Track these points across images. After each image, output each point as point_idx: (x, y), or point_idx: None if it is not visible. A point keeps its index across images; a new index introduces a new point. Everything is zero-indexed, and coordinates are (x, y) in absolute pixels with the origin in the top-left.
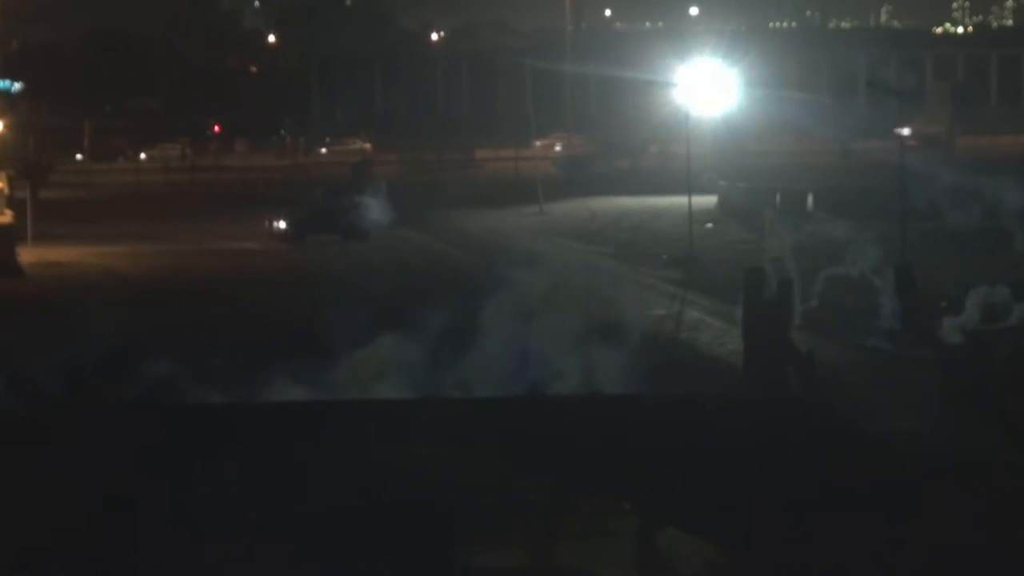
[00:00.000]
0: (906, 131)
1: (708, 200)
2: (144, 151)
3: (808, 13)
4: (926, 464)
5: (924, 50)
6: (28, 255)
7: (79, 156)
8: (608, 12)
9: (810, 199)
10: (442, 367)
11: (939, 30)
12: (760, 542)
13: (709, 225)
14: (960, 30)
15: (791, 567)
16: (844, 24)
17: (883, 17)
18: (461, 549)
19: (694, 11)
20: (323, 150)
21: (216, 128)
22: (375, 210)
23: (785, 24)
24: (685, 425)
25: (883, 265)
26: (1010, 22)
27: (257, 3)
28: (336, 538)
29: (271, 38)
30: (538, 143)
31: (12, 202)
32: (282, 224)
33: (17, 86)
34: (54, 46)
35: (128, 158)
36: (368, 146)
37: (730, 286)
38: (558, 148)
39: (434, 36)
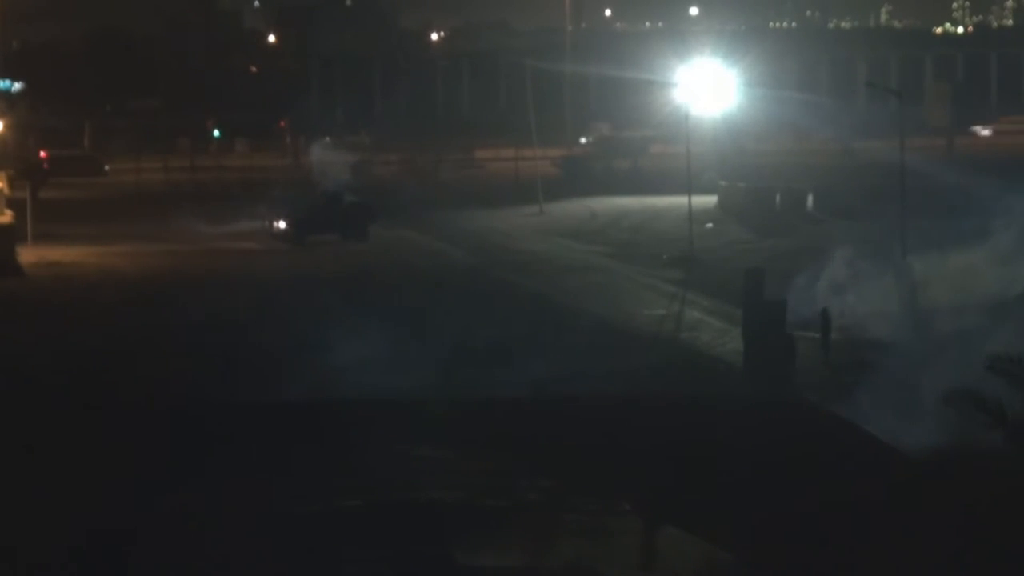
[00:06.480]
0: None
1: (708, 200)
2: None
3: (808, 13)
4: (926, 464)
5: (924, 50)
6: (28, 255)
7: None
8: (608, 12)
9: (810, 199)
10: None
11: (939, 30)
12: (760, 542)
13: (709, 225)
14: (960, 30)
15: (791, 567)
16: (844, 24)
17: (883, 17)
18: (461, 549)
19: (694, 11)
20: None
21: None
22: (374, 210)
23: (785, 24)
24: (685, 426)
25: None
26: (1010, 22)
27: (257, 3)
28: (336, 538)
29: (271, 38)
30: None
31: (12, 202)
32: (282, 224)
33: (17, 86)
34: (54, 46)
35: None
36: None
37: (730, 286)
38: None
39: (434, 36)
